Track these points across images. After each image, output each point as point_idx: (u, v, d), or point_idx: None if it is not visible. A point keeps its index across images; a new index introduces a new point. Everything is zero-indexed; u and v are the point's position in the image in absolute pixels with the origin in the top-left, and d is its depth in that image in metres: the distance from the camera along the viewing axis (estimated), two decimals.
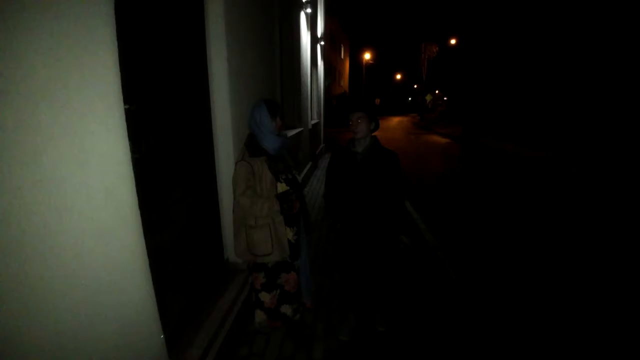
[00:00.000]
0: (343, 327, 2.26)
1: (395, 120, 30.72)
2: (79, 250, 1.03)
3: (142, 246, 1.32)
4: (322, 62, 9.89)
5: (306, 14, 5.96)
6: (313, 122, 7.96)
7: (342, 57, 29.39)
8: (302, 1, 5.66)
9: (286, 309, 2.12)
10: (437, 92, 32.19)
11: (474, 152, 11.28)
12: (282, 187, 1.94)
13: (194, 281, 2.02)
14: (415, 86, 42.43)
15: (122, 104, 1.19)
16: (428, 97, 28.05)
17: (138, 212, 1.29)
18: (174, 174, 1.79)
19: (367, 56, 34.09)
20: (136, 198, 1.28)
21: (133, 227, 1.27)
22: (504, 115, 15.38)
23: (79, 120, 1.01)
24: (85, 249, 1.05)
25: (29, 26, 0.86)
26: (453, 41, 24.08)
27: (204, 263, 2.16)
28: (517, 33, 14.37)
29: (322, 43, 9.06)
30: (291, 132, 5.01)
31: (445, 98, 29.15)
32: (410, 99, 52.69)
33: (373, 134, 2.01)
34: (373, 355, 2.07)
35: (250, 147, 1.88)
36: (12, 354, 0.87)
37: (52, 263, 0.95)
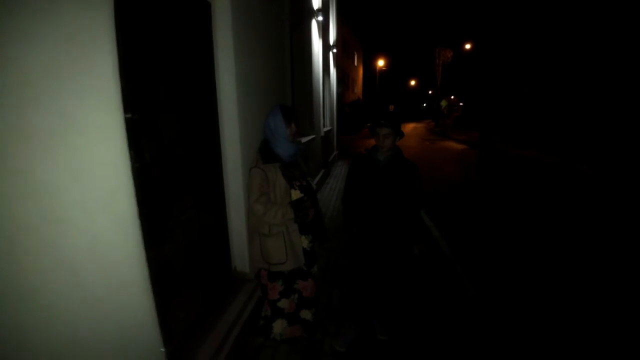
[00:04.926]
0: (340, 338, 2.21)
1: (409, 127, 30.42)
2: (74, 262, 1.00)
3: (142, 257, 1.29)
4: (335, 70, 9.91)
5: (318, 22, 5.98)
6: (326, 129, 7.94)
7: (356, 64, 29.49)
8: (313, 9, 5.68)
9: (306, 314, 2.10)
10: (452, 97, 31.81)
11: (491, 158, 10.99)
12: (296, 194, 1.91)
13: (200, 292, 1.98)
14: (429, 92, 42.07)
15: (121, 112, 1.17)
16: (443, 103, 27.64)
17: (138, 222, 1.26)
18: (179, 183, 1.77)
19: (381, 63, 34.09)
20: (136, 208, 1.25)
21: (132, 239, 1.24)
22: (521, 120, 15.00)
23: (75, 129, 0.99)
24: (80, 260, 1.02)
25: (25, 32, 0.85)
26: (468, 46, 23.82)
27: (211, 273, 2.12)
28: (533, 36, 14.06)
29: (335, 50, 9.08)
30: (303, 140, 4.98)
31: (460, 104, 28.72)
32: (425, 104, 52.21)
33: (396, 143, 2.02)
34: None
35: (264, 153, 1.86)
36: None
37: (46, 275, 0.92)
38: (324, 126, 7.82)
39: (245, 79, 2.30)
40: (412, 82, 52.50)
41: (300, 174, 1.96)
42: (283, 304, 1.98)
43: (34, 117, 0.87)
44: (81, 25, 1.01)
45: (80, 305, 1.03)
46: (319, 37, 6.34)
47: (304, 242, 1.95)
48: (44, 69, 0.90)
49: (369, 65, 36.60)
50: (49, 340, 0.95)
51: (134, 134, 1.34)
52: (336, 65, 10.08)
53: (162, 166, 1.60)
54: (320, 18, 5.92)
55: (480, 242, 3.94)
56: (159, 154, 1.57)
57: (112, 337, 1.16)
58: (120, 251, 1.18)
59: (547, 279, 3.05)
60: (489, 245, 3.84)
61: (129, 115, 1.32)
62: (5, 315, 0.84)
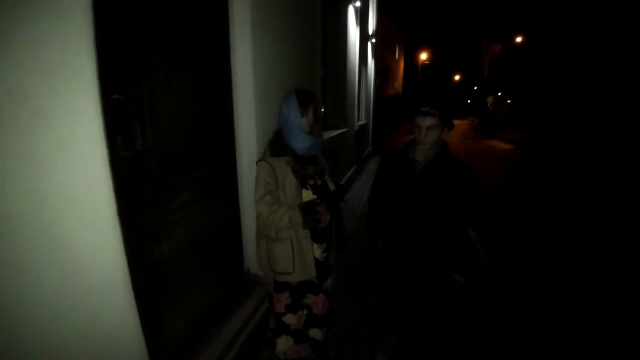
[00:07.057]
0: (382, 349, 1.99)
1: None
2: (31, 264, 0.84)
3: (121, 260, 1.11)
4: (373, 61, 9.46)
5: (355, 7, 5.63)
6: (360, 123, 7.59)
7: (397, 57, 28.43)
8: None
9: (315, 333, 1.78)
10: (499, 94, 29.72)
11: (541, 160, 10.01)
12: (307, 195, 1.61)
13: (205, 296, 1.82)
14: (475, 88, 39.68)
15: (98, 91, 0.99)
16: (489, 100, 25.88)
17: (117, 220, 1.08)
18: (182, 175, 1.59)
19: (424, 56, 32.65)
20: (115, 204, 1.07)
21: (109, 237, 1.06)
22: (575, 121, 13.57)
23: (33, 110, 0.82)
24: (38, 262, 0.86)
25: None
26: (519, 39, 22.04)
27: (218, 275, 1.95)
28: (593, 29, 12.57)
29: (374, 41, 8.64)
30: (334, 133, 4.72)
31: (508, 101, 26.72)
32: (469, 101, 49.44)
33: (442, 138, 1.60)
34: None
35: (274, 144, 1.58)
36: None
37: None
38: (358, 120, 7.47)
39: (265, 62, 2.08)
40: (457, 77, 49.91)
41: (317, 171, 1.66)
42: (289, 319, 1.70)
43: None
44: None
45: (41, 311, 0.87)
46: (357, 24, 5.99)
47: (317, 251, 1.65)
48: None
49: (411, 59, 35.15)
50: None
51: (120, 118, 1.17)
52: (375, 56, 9.62)
53: (160, 155, 1.42)
54: (358, 4, 5.56)
55: (531, 259, 3.46)
56: (154, 142, 1.39)
57: (85, 346, 1.00)
58: (92, 253, 1.01)
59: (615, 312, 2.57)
60: (542, 263, 3.36)
61: (117, 97, 1.15)
62: None
